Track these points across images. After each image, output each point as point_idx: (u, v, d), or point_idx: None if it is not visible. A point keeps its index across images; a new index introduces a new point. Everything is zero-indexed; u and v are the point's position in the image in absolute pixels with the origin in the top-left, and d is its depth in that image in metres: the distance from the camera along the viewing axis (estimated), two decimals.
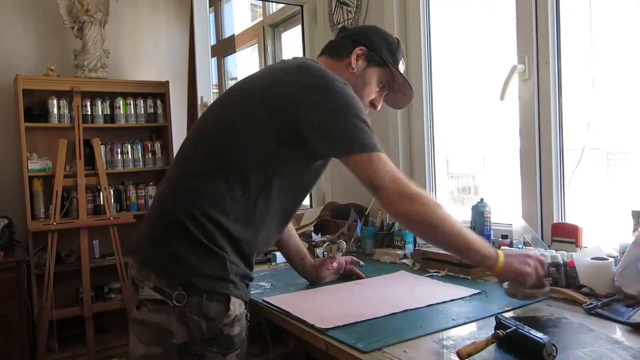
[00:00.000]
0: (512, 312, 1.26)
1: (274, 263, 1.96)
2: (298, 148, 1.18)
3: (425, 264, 1.77)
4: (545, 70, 1.78)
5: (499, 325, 1.04)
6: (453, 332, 1.14)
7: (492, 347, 1.00)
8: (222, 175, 1.14)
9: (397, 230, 2.02)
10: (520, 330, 1.00)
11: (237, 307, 1.14)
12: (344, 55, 1.35)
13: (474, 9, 2.35)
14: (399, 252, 1.94)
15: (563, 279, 1.43)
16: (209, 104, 2.75)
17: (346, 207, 2.33)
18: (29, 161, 2.98)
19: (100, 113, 3.21)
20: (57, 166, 2.99)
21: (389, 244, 2.05)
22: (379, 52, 1.36)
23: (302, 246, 1.63)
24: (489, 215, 1.83)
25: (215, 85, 4.35)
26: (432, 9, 2.35)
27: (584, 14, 1.91)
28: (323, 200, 2.88)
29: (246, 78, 1.34)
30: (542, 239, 1.77)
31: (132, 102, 3.31)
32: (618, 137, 1.91)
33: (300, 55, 3.21)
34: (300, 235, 2.15)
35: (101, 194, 3.15)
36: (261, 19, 4.10)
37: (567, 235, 1.64)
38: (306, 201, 2.61)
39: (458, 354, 0.95)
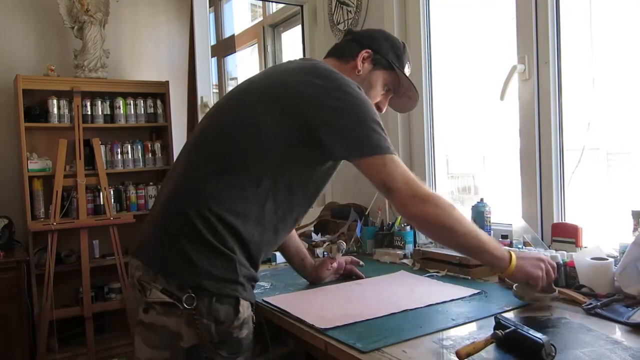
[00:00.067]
0: (511, 312, 1.26)
1: (274, 263, 1.96)
2: (310, 149, 1.17)
3: (425, 264, 1.77)
4: (545, 70, 1.78)
5: (498, 325, 1.04)
6: (452, 332, 1.14)
7: (491, 347, 1.00)
8: (233, 175, 1.13)
9: (397, 230, 2.02)
10: (519, 330, 0.99)
11: (245, 309, 1.13)
12: (350, 58, 1.35)
13: (474, 9, 2.35)
14: (399, 252, 1.94)
15: (563, 279, 1.42)
16: (209, 104, 2.77)
17: (346, 207, 2.33)
18: (29, 161, 2.98)
19: (100, 113, 3.20)
20: (57, 166, 2.99)
21: (388, 244, 2.05)
22: (385, 55, 1.36)
23: (302, 246, 1.62)
24: (489, 215, 1.83)
25: (215, 85, 4.35)
26: (432, 9, 2.35)
27: (584, 14, 1.91)
28: (323, 200, 2.88)
29: (255, 77, 1.32)
30: (542, 239, 1.77)
31: (132, 102, 3.31)
32: (618, 137, 1.91)
33: (301, 55, 3.21)
34: (300, 235, 2.15)
35: (101, 194, 3.14)
36: (261, 19, 4.11)
37: (567, 235, 1.64)
38: None
39: (457, 354, 0.95)
